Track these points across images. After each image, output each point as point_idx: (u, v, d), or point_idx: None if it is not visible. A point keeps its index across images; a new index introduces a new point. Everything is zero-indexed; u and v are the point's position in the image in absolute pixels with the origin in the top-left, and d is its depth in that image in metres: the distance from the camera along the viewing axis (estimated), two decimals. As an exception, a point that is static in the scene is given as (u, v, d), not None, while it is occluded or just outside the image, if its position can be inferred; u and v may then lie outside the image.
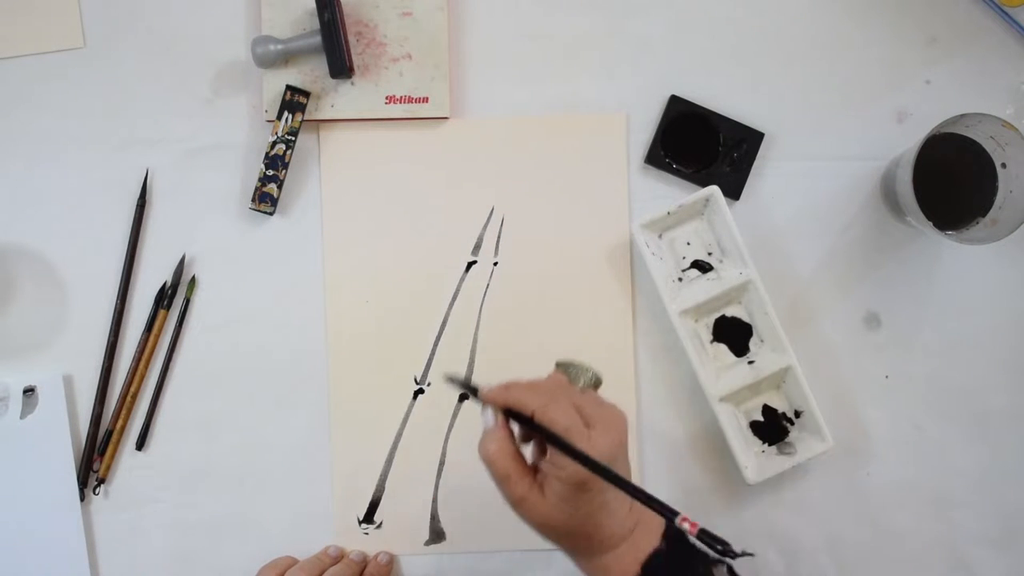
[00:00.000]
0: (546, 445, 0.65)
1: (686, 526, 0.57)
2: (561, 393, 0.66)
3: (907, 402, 0.81)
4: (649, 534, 0.67)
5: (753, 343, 0.80)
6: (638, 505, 0.66)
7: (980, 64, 0.82)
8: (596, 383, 0.70)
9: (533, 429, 0.65)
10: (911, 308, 0.81)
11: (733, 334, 0.80)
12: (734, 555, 0.57)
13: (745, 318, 0.80)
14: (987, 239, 0.74)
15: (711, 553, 0.66)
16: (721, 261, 0.80)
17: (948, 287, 0.81)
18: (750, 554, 0.57)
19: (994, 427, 0.81)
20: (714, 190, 0.78)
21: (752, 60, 0.82)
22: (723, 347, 0.80)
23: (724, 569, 0.68)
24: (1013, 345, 0.82)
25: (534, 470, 0.66)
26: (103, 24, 0.81)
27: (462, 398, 0.81)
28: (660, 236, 0.80)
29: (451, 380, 0.69)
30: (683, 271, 0.80)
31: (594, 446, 0.63)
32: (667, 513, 0.59)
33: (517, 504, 0.66)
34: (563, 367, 0.70)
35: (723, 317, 0.80)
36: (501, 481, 0.65)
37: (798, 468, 0.78)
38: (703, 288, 0.79)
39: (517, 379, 0.67)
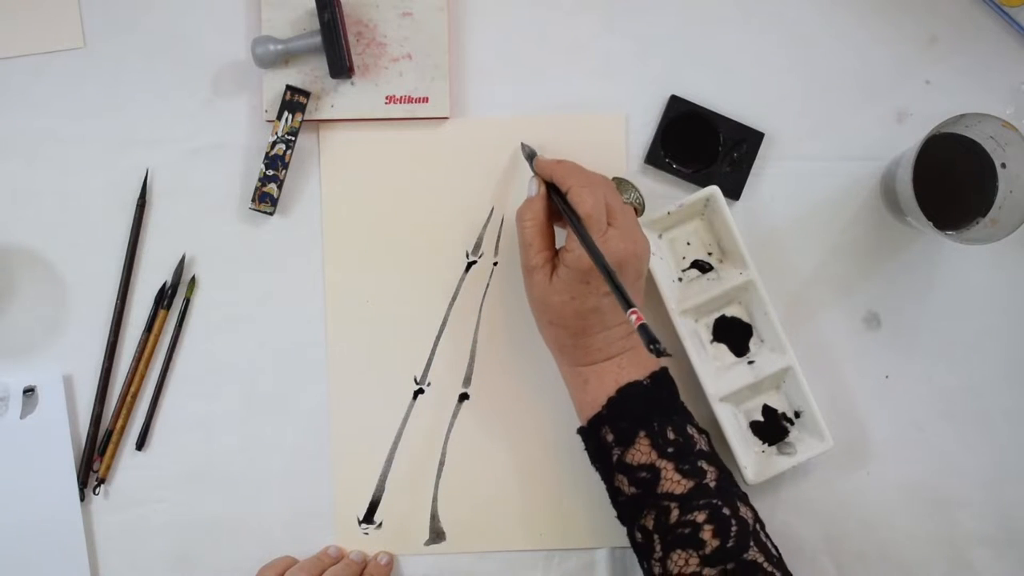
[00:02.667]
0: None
1: (633, 318, 0.60)
2: (600, 186, 0.70)
3: (907, 402, 0.81)
4: (637, 366, 0.70)
5: (753, 343, 0.80)
6: (635, 339, 0.70)
7: (980, 64, 0.82)
8: (639, 205, 0.76)
9: (563, 205, 0.69)
10: (911, 308, 0.81)
11: (733, 334, 0.80)
12: (662, 353, 0.58)
13: (745, 318, 0.80)
14: (987, 239, 0.74)
15: (691, 414, 0.71)
16: (721, 261, 0.80)
17: (948, 287, 0.81)
18: (668, 354, 0.59)
19: (994, 427, 0.81)
20: (714, 190, 0.78)
21: (752, 60, 0.82)
22: (723, 347, 0.80)
23: (704, 436, 0.70)
24: (1013, 345, 0.82)
25: (554, 252, 0.70)
26: (103, 24, 0.81)
27: (462, 398, 0.81)
28: (660, 236, 0.80)
29: (523, 146, 0.75)
30: (683, 271, 0.80)
31: (607, 242, 0.67)
32: (627, 303, 0.61)
33: (528, 272, 0.71)
34: (617, 180, 0.77)
35: (723, 317, 0.80)
36: (524, 246, 0.71)
37: (798, 468, 0.78)
38: (703, 288, 0.79)
39: (571, 160, 0.72)
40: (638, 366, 0.70)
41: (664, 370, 0.72)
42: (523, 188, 0.81)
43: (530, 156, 0.75)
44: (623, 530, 0.71)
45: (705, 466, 0.69)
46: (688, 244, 0.80)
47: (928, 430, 0.81)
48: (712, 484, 0.68)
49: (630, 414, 0.69)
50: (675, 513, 0.67)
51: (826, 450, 0.77)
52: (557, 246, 0.73)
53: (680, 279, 0.80)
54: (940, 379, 0.81)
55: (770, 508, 0.80)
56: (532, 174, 0.72)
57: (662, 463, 0.68)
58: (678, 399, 0.71)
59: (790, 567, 0.79)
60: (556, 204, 0.70)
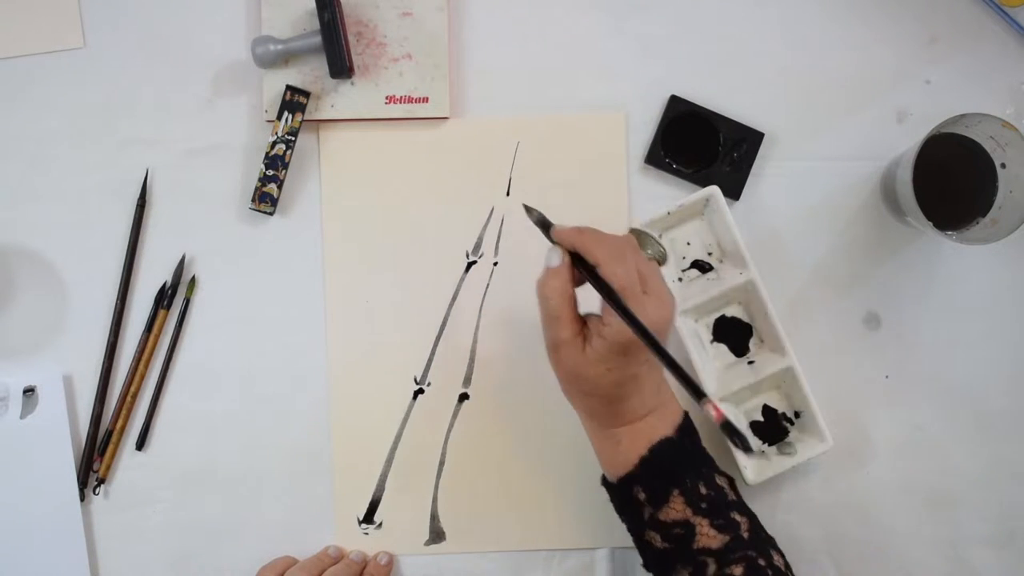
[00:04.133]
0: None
1: (711, 411, 0.58)
2: (628, 253, 0.67)
3: (907, 402, 0.81)
4: (664, 421, 0.68)
5: (753, 343, 0.80)
6: (664, 389, 0.69)
7: (980, 64, 0.82)
8: (661, 258, 0.74)
9: (593, 280, 0.66)
10: (911, 308, 0.81)
11: (733, 334, 0.80)
12: (749, 450, 0.58)
13: (745, 318, 0.80)
14: (987, 239, 0.74)
15: (715, 461, 0.69)
16: (721, 261, 0.80)
17: (948, 287, 0.81)
18: (754, 450, 0.58)
19: (994, 427, 0.81)
20: (714, 190, 0.78)
21: (752, 60, 0.82)
22: (723, 347, 0.80)
23: (725, 480, 0.69)
24: (1013, 345, 0.82)
25: (583, 322, 0.67)
26: (103, 24, 0.81)
27: (462, 398, 0.81)
28: (660, 236, 0.80)
29: (529, 210, 0.70)
30: (683, 271, 0.80)
31: (646, 313, 0.64)
32: (697, 393, 0.60)
33: (557, 347, 0.67)
34: (635, 233, 0.74)
35: (723, 317, 0.80)
36: (550, 320, 0.67)
37: (798, 468, 0.78)
38: (703, 288, 0.79)
39: (591, 227, 0.68)
40: (667, 420, 0.68)
41: (688, 419, 0.70)
42: (523, 188, 0.81)
43: (541, 223, 0.70)
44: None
45: (737, 517, 0.67)
46: (688, 244, 0.81)
47: (928, 430, 0.81)
48: (745, 535, 0.67)
49: (663, 472, 0.67)
50: (712, 568, 0.65)
51: (826, 450, 0.77)
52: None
53: (680, 279, 0.80)
54: (940, 379, 0.81)
55: (770, 508, 0.80)
56: (550, 244, 0.68)
57: (697, 519, 0.66)
58: (701, 445, 0.70)
59: (790, 567, 0.79)
60: (583, 276, 0.67)
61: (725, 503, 0.67)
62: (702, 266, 0.80)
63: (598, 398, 0.67)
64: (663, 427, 0.68)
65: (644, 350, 0.64)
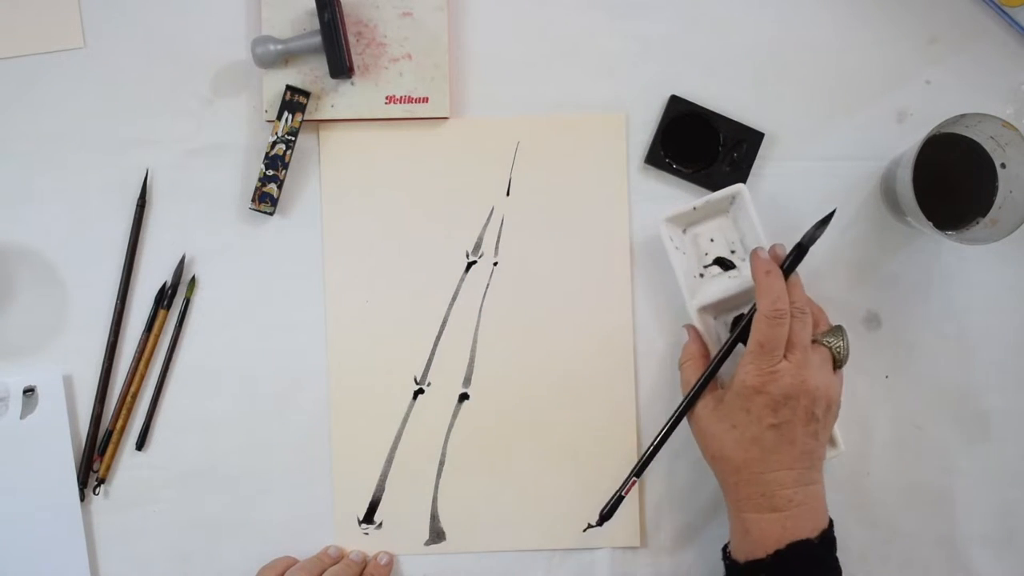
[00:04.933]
0: None
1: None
2: (802, 320, 0.69)
3: (907, 402, 0.81)
4: (810, 523, 0.68)
5: None
6: (813, 491, 0.68)
7: (980, 64, 0.82)
8: (839, 353, 0.73)
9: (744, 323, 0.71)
10: (911, 308, 0.81)
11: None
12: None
13: None
14: (987, 239, 0.74)
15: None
16: (744, 259, 0.80)
17: (948, 287, 0.81)
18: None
19: (994, 427, 0.81)
20: (741, 188, 0.78)
21: (752, 60, 0.82)
22: (740, 346, 0.80)
23: None
24: (1013, 345, 0.82)
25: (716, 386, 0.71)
26: (103, 24, 0.81)
27: (462, 398, 0.81)
28: (684, 231, 0.80)
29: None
30: (704, 267, 0.80)
31: (777, 376, 0.66)
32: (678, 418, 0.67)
33: (690, 409, 0.71)
34: (835, 328, 0.74)
35: (742, 316, 0.80)
36: (683, 387, 0.72)
37: (798, 468, 0.78)
38: (723, 285, 0.79)
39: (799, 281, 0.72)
40: (806, 522, 0.68)
41: (831, 528, 0.69)
42: (523, 188, 0.81)
43: (809, 240, 0.73)
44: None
45: None
46: (712, 241, 0.80)
47: (928, 430, 0.81)
48: None
49: (792, 572, 0.67)
50: None
51: (838, 455, 0.77)
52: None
53: (701, 275, 0.80)
54: (940, 379, 0.81)
55: (770, 508, 0.80)
56: (688, 326, 0.75)
57: None
58: (836, 558, 0.69)
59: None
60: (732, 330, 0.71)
61: None
62: (725, 263, 0.80)
63: (725, 462, 0.69)
64: (801, 528, 0.67)
65: (764, 406, 0.66)
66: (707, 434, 0.69)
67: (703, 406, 0.70)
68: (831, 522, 0.70)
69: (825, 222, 0.72)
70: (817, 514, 0.68)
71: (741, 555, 0.68)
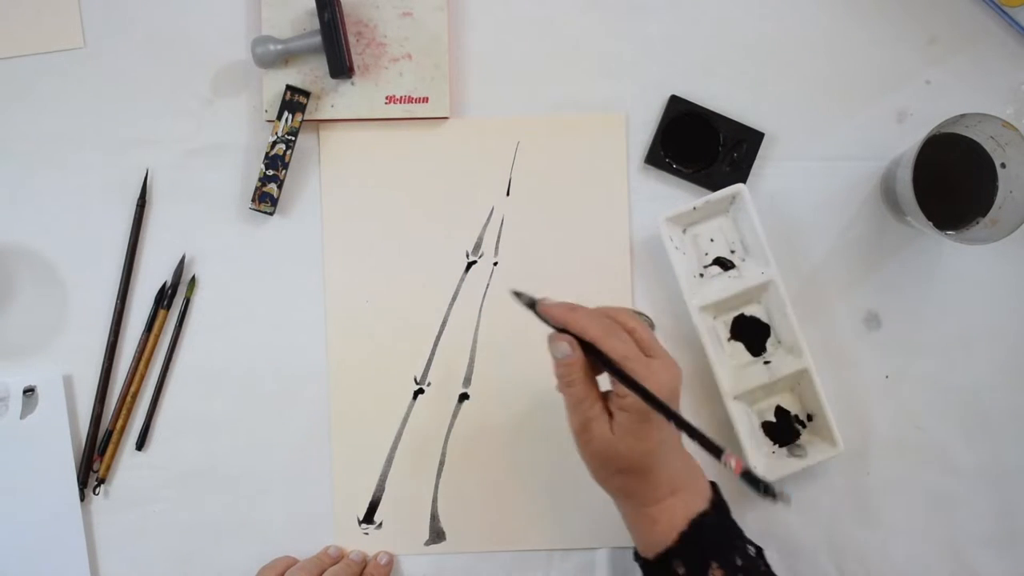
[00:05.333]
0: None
1: (731, 462, 0.59)
2: (624, 323, 0.67)
3: (907, 402, 0.81)
4: (698, 496, 0.69)
5: (770, 343, 0.80)
6: (692, 463, 0.69)
7: (980, 64, 0.82)
8: (651, 326, 0.73)
9: (595, 355, 0.66)
10: (911, 308, 0.81)
11: (750, 333, 0.80)
12: (775, 495, 0.58)
13: (764, 318, 0.80)
14: (987, 239, 0.74)
15: (743, 532, 0.69)
16: (744, 260, 0.80)
17: (948, 287, 0.81)
18: (788, 496, 0.58)
19: (994, 427, 0.81)
20: (741, 188, 0.78)
21: (752, 60, 0.82)
22: (740, 346, 0.80)
23: (755, 549, 0.69)
24: (1013, 345, 0.82)
25: (605, 400, 0.67)
26: (103, 24, 0.81)
27: (462, 398, 0.81)
28: (684, 231, 0.80)
29: (518, 295, 0.70)
30: (705, 267, 0.80)
31: (656, 377, 0.65)
32: (715, 449, 0.60)
33: (586, 427, 0.67)
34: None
35: (742, 316, 0.80)
36: (576, 403, 0.67)
37: (800, 469, 0.78)
38: (724, 285, 0.79)
39: (579, 305, 0.68)
40: (699, 495, 0.69)
41: (718, 492, 0.70)
42: (523, 188, 0.81)
43: (531, 305, 0.69)
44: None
45: None
46: (712, 241, 0.80)
47: (928, 430, 0.81)
48: None
49: (701, 546, 0.67)
50: None
51: (836, 455, 0.77)
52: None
53: (701, 275, 0.80)
54: (940, 379, 0.81)
55: (770, 507, 0.80)
56: (549, 331, 0.68)
57: None
58: (731, 517, 0.70)
59: (790, 567, 0.80)
60: (586, 354, 0.67)
61: (759, 573, 0.68)
62: (724, 263, 0.80)
63: (632, 474, 0.68)
64: (698, 502, 0.68)
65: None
66: (613, 455, 0.67)
67: (602, 430, 0.66)
68: (715, 487, 0.70)
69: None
70: (703, 485, 0.69)
71: (651, 550, 0.69)
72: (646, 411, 0.65)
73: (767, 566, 0.69)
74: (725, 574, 0.66)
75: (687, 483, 0.68)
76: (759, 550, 0.70)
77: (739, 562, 0.67)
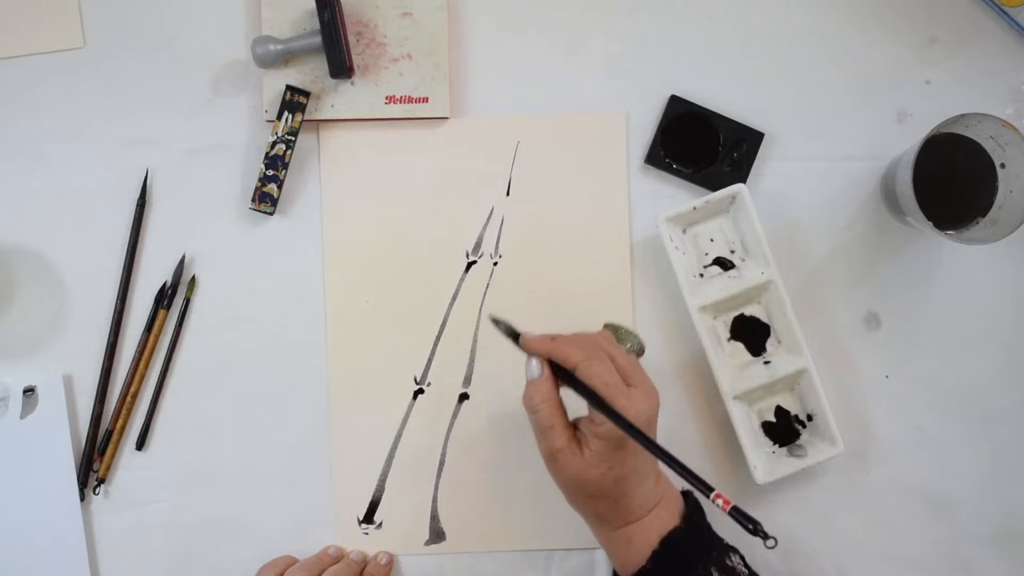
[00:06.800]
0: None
1: (720, 502, 0.59)
2: (605, 350, 0.67)
3: (907, 402, 0.81)
4: (670, 512, 0.68)
5: (770, 343, 0.80)
6: (663, 480, 0.69)
7: (980, 64, 0.82)
8: (640, 350, 0.72)
9: (573, 384, 0.66)
10: (911, 308, 0.81)
11: (750, 333, 0.80)
12: (765, 535, 0.58)
13: (763, 318, 0.80)
14: (987, 239, 0.74)
15: (724, 540, 0.68)
16: (743, 260, 0.80)
17: (948, 287, 0.81)
18: (774, 539, 0.58)
19: (994, 427, 0.81)
20: (741, 188, 0.78)
21: (752, 60, 0.82)
22: (740, 346, 0.80)
23: (738, 558, 0.69)
24: (1013, 345, 0.82)
25: (573, 427, 0.67)
26: (103, 24, 0.81)
27: (462, 398, 0.81)
28: (684, 231, 0.80)
29: (496, 322, 0.70)
30: (704, 267, 0.80)
31: (634, 406, 0.64)
32: (702, 487, 0.60)
33: (554, 456, 0.67)
34: (611, 328, 0.72)
35: (742, 316, 0.80)
36: (543, 431, 0.67)
37: (800, 469, 0.78)
38: (723, 285, 0.79)
39: (561, 332, 0.68)
40: (671, 510, 0.69)
41: (690, 503, 0.70)
42: (523, 188, 0.81)
43: (510, 334, 0.69)
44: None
45: None
46: (712, 240, 0.80)
47: (928, 430, 0.81)
48: None
49: (675, 563, 0.67)
50: None
51: (836, 455, 0.77)
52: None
53: (701, 275, 0.80)
54: (940, 379, 0.81)
55: (770, 508, 0.80)
56: (527, 355, 0.68)
57: None
58: (708, 526, 0.70)
59: (790, 567, 0.80)
60: (563, 382, 0.67)
61: None
62: (724, 263, 0.80)
63: (604, 499, 0.67)
64: (669, 518, 0.68)
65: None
66: (584, 481, 0.67)
67: (571, 457, 0.66)
68: (687, 497, 0.70)
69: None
70: (674, 499, 0.69)
71: (626, 570, 0.68)
72: (622, 438, 0.64)
73: (746, 565, 0.69)
74: None
75: (659, 501, 0.68)
76: (742, 556, 0.69)
77: (716, 574, 0.67)
